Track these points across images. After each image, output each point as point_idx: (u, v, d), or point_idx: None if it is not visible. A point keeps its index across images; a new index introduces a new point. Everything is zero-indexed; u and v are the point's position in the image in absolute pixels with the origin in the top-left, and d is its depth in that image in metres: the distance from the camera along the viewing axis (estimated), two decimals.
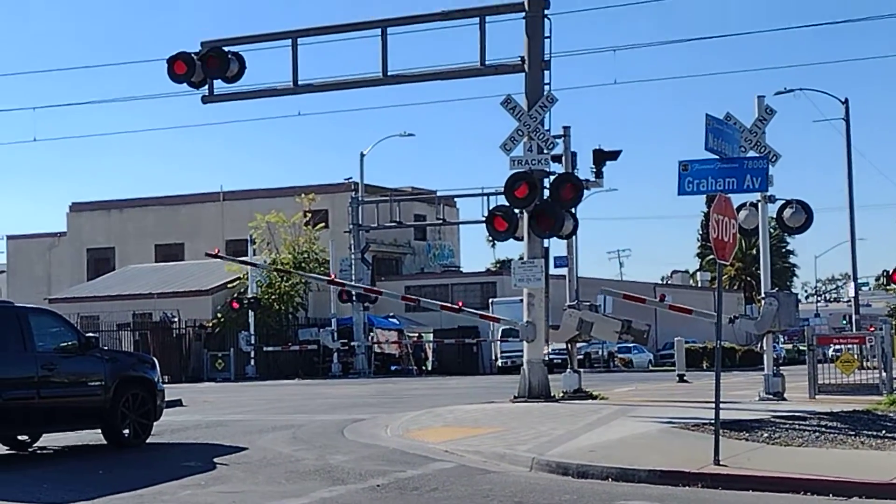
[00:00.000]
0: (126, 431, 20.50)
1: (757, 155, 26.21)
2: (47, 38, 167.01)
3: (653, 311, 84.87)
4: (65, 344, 19.79)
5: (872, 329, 33.55)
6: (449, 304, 35.47)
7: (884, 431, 19.41)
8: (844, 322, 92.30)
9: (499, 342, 66.32)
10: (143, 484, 15.33)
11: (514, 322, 32.41)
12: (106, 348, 22.33)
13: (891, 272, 54.03)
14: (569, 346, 31.00)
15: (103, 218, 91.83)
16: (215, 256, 36.90)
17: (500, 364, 65.94)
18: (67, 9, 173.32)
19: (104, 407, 20.01)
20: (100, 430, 20.54)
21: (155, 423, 21.31)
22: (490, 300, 66.52)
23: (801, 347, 63.29)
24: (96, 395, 19.93)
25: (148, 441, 20.81)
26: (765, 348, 28.94)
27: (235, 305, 64.81)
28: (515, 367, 60.00)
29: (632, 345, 62.71)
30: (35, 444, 20.77)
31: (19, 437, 20.48)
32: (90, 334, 20.99)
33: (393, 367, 67.47)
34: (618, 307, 60.13)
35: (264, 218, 70.41)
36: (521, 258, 29.98)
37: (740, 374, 47.32)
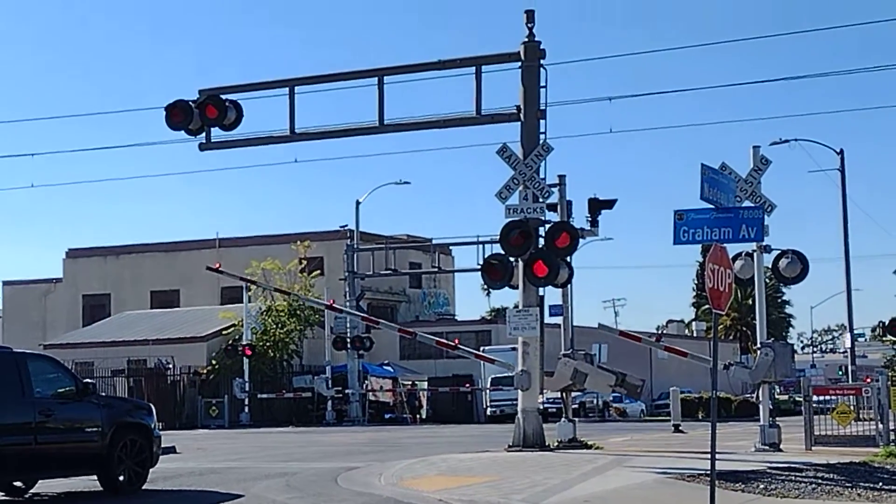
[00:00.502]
0: (122, 478, 20.37)
1: (752, 205, 26.25)
2: (46, 85, 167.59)
3: (648, 362, 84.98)
4: (62, 390, 19.78)
5: (869, 380, 33.46)
6: (445, 341, 35.35)
7: (880, 483, 19.34)
8: (840, 373, 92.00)
9: (488, 390, 66.07)
10: None
11: (507, 365, 32.34)
12: (103, 394, 22.26)
13: (887, 323, 53.97)
14: (563, 395, 30.93)
15: (99, 264, 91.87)
16: (216, 271, 36.65)
17: (489, 413, 65.30)
18: (66, 56, 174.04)
19: (101, 453, 19.92)
20: (95, 477, 20.40)
21: (150, 470, 21.21)
22: (482, 349, 66.32)
23: (797, 398, 63.10)
24: (93, 442, 19.86)
25: (143, 488, 20.68)
26: (761, 399, 28.86)
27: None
28: (505, 416, 59.83)
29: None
30: (31, 490, 20.67)
31: (15, 483, 20.35)
32: (87, 380, 20.92)
33: (387, 415, 67.24)
34: (613, 357, 60.12)
35: (260, 265, 70.36)
36: (517, 306, 29.95)
37: (736, 425, 47.18)
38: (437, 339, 36.04)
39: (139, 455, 20.76)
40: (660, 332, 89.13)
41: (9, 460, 18.33)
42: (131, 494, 20.21)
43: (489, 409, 65.41)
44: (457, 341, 35.03)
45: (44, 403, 19.02)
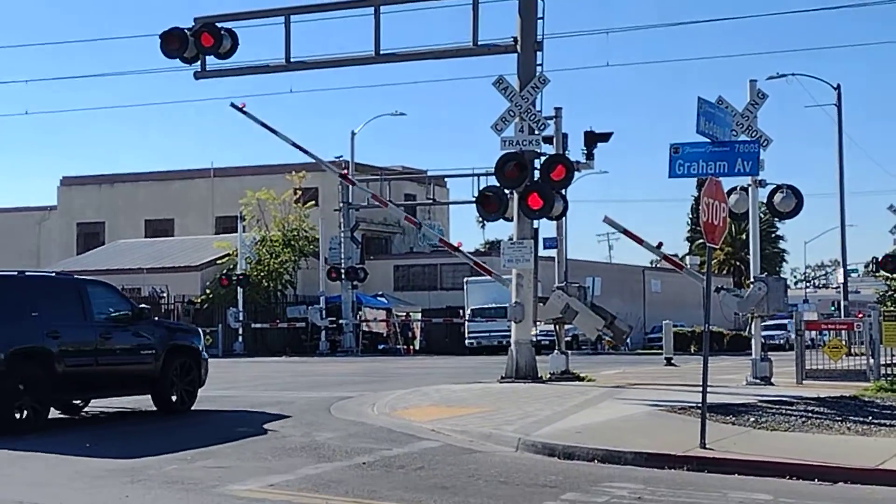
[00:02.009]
0: (174, 398, 21.43)
1: (748, 139, 26.17)
2: (40, 12, 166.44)
3: (641, 295, 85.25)
4: (119, 314, 20.55)
5: (861, 315, 33.56)
6: (447, 241, 35.14)
7: (870, 417, 19.43)
8: (833, 308, 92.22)
9: (467, 322, 65.88)
10: (129, 456, 15.31)
11: (503, 280, 32.34)
12: (157, 318, 23.11)
13: (880, 259, 54.07)
14: (556, 327, 31.02)
15: (94, 192, 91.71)
16: (241, 110, 34.48)
17: (467, 344, 64.17)
18: None
19: (155, 374, 20.96)
20: (149, 397, 21.49)
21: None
22: (465, 279, 66.22)
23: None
24: (147, 363, 20.84)
25: (131, 412, 21.28)
26: (753, 333, 28.95)
27: (224, 282, 64.68)
28: (483, 348, 59.90)
29: None
30: (84, 409, 21.76)
31: (73, 402, 21.26)
32: (143, 305, 21.62)
33: (380, 346, 67.49)
34: (606, 290, 60.24)
35: (255, 195, 70.27)
36: (511, 239, 29.96)
37: (728, 359, 47.33)
38: (441, 238, 35.85)
39: (190, 376, 21.78)
40: (654, 265, 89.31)
41: (73, 380, 19.17)
42: (183, 414, 21.23)
43: (468, 341, 64.50)
44: (459, 243, 34.90)
45: (103, 327, 19.90)
